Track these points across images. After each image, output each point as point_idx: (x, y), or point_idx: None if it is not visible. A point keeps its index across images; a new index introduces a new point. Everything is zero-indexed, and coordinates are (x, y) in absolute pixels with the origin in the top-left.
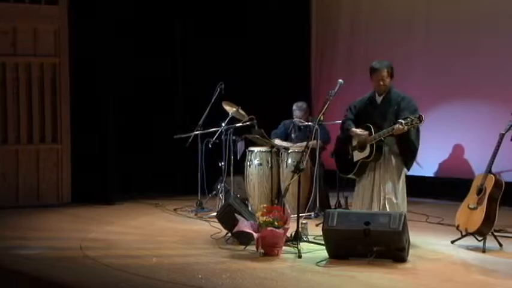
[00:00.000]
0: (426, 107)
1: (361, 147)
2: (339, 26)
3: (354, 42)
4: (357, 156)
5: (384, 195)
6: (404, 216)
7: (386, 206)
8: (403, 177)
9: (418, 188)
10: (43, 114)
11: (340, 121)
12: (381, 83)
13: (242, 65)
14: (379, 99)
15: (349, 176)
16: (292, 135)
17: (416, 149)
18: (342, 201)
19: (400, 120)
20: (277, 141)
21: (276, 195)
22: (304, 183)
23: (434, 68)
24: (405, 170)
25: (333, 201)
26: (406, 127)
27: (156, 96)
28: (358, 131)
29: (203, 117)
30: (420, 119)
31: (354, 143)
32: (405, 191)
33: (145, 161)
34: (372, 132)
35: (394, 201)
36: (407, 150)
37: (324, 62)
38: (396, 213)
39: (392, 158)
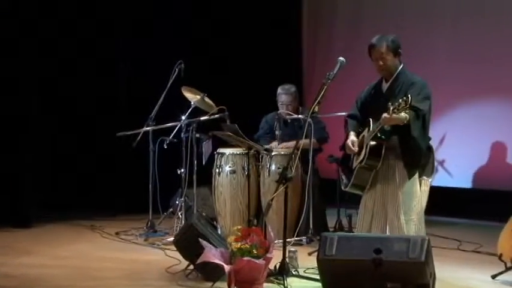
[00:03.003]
0: (453, 101)
1: (360, 150)
2: None
3: (359, 11)
4: (355, 162)
5: (384, 215)
6: (428, 241)
7: (387, 229)
8: (415, 189)
9: (447, 204)
10: None
11: (342, 113)
12: (380, 62)
13: (207, 39)
14: (385, 86)
15: (346, 189)
16: (277, 132)
17: (420, 149)
18: (344, 222)
19: (387, 107)
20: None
21: (255, 214)
22: (293, 197)
23: (463, 52)
24: (423, 178)
25: (331, 222)
26: (393, 114)
27: (89, 81)
28: (351, 139)
29: (156, 108)
30: (407, 101)
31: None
32: (422, 207)
33: (76, 168)
34: (370, 128)
35: (396, 223)
36: (408, 150)
37: (320, 37)
38: (417, 238)
39: (396, 163)
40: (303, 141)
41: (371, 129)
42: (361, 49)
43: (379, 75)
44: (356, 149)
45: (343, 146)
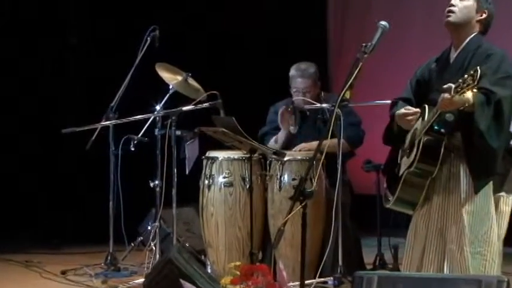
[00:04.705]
0: None
1: (411, 149)
2: None
3: None
4: (403, 165)
5: (442, 245)
6: (508, 284)
7: (445, 265)
8: (488, 209)
9: None
10: None
11: (385, 101)
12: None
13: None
14: (453, 56)
15: (389, 205)
16: (292, 129)
17: (492, 150)
18: (388, 255)
19: (445, 86)
20: (273, 145)
21: (260, 245)
22: (315, 220)
23: None
24: (501, 194)
25: (369, 256)
26: (456, 95)
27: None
28: (402, 110)
29: (119, 93)
30: (474, 76)
31: (406, 142)
32: (498, 235)
33: (5, 182)
34: (425, 117)
35: (458, 256)
36: (473, 150)
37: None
38: (492, 280)
39: (461, 170)
40: (329, 142)
41: (426, 119)
42: (410, 10)
43: (441, 47)
44: (415, 109)
45: (389, 132)
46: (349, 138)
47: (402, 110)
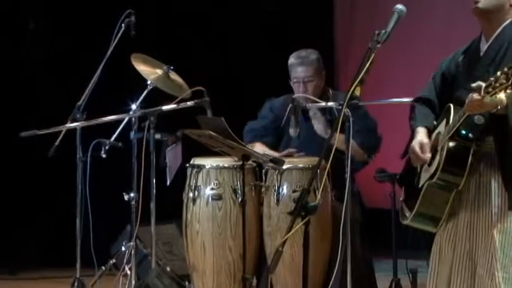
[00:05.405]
0: None
1: (433, 156)
2: None
3: None
4: (424, 176)
5: (471, 269)
6: None
7: None
8: None
9: None
10: None
11: (403, 99)
12: None
13: None
14: (483, 47)
15: (407, 222)
16: (292, 131)
17: None
18: (404, 281)
19: (474, 84)
20: (259, 148)
21: (254, 269)
22: (319, 240)
23: None
24: None
25: (383, 281)
26: (487, 96)
27: None
28: (418, 139)
29: (87, 90)
30: (509, 74)
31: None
32: None
33: None
34: (449, 120)
35: (489, 282)
36: (507, 159)
37: None
38: None
39: (492, 181)
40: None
41: (450, 122)
42: None
43: (467, 38)
44: (427, 156)
45: (407, 152)
46: (367, 145)
47: (416, 146)
